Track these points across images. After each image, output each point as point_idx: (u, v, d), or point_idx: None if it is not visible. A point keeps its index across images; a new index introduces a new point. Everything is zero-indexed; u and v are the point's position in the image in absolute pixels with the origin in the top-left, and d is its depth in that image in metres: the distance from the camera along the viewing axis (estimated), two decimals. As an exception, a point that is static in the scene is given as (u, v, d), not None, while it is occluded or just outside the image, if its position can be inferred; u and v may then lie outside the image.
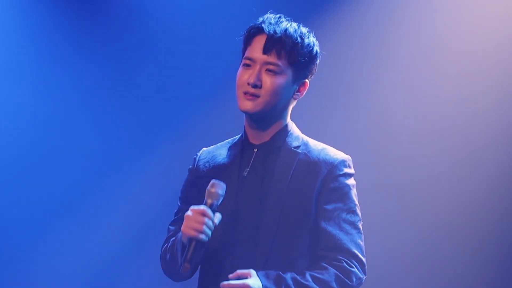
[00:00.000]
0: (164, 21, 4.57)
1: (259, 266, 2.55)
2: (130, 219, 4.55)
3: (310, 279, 2.52)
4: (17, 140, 4.60)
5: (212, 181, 2.54)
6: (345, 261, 2.57)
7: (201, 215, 2.49)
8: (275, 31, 2.60)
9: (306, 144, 2.70)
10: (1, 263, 4.58)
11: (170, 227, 2.77)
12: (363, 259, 2.61)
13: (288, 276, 2.52)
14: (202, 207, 2.50)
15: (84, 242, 4.57)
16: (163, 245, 2.75)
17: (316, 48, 2.68)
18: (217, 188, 2.53)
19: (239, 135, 2.77)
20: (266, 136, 2.68)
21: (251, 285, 2.46)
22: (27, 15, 4.63)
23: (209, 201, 2.52)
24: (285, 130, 2.69)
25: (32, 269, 4.57)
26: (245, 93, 2.60)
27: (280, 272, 2.53)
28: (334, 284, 2.53)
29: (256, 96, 2.60)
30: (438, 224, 4.11)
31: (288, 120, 2.72)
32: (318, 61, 2.70)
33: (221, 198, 2.53)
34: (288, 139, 2.68)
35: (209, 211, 2.50)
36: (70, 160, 4.60)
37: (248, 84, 2.59)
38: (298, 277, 2.53)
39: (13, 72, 4.61)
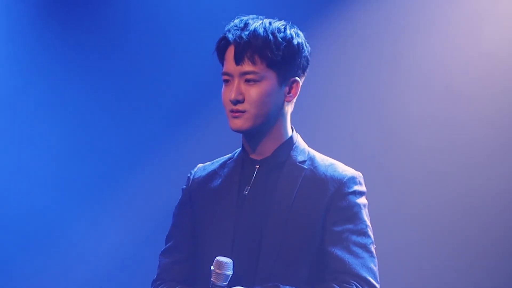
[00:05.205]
0: (162, 22, 4.49)
1: None
2: (130, 224, 4.51)
3: None
4: (19, 142, 4.56)
5: (217, 259, 2.33)
6: (355, 285, 2.35)
7: None
8: (240, 37, 2.36)
9: (312, 159, 2.48)
10: (6, 262, 4.55)
11: (162, 258, 2.56)
12: (377, 285, 2.39)
13: None
14: None
15: (84, 244, 4.54)
16: (156, 284, 2.54)
17: (297, 40, 2.40)
18: (224, 268, 2.32)
19: (238, 150, 2.56)
20: (267, 150, 2.47)
21: None
22: (24, 15, 4.57)
23: (217, 282, 2.32)
24: (289, 143, 2.48)
25: (33, 270, 4.54)
26: (231, 111, 2.40)
27: (280, 284, 2.33)
28: None
29: (242, 112, 2.39)
30: (450, 229, 3.99)
31: (293, 132, 2.50)
32: (305, 54, 2.43)
33: (230, 276, 2.33)
34: (293, 153, 2.47)
35: None
36: (71, 162, 4.57)
37: (231, 101, 2.38)
38: None
39: (11, 74, 4.56)
